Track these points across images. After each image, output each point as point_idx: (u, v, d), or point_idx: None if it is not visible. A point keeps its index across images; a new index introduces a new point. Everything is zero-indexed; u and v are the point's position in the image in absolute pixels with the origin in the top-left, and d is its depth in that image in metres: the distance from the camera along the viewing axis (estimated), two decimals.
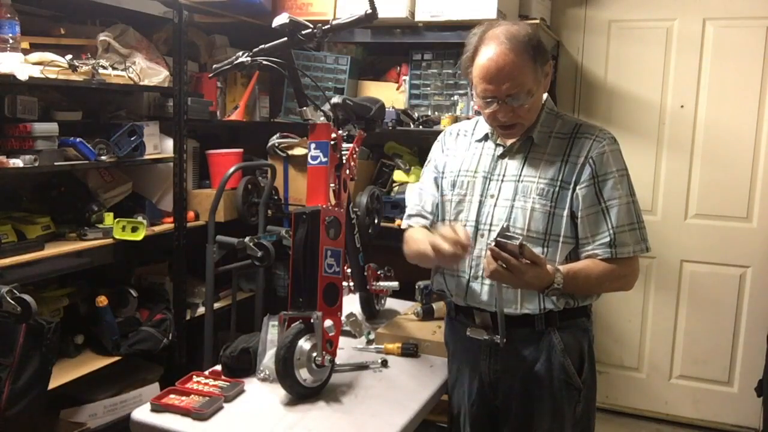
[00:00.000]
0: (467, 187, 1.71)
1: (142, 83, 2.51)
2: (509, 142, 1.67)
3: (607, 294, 1.71)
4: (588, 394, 1.68)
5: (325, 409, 1.65)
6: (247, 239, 2.54)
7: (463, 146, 1.78)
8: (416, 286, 2.37)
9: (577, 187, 1.58)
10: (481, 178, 1.69)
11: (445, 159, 1.80)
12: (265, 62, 1.83)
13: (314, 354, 1.65)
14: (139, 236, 2.43)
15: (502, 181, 1.66)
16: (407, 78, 3.10)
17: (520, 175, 1.64)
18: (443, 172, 1.78)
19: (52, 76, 2.15)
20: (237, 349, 1.83)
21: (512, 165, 1.66)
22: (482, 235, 1.65)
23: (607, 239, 1.58)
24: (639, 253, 1.61)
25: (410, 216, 1.88)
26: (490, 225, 1.65)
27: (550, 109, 1.69)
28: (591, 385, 1.70)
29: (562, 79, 3.37)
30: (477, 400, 1.74)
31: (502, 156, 1.68)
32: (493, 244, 1.46)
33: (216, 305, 2.87)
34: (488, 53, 1.54)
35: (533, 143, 1.65)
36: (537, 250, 1.55)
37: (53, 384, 2.13)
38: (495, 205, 1.65)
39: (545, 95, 1.69)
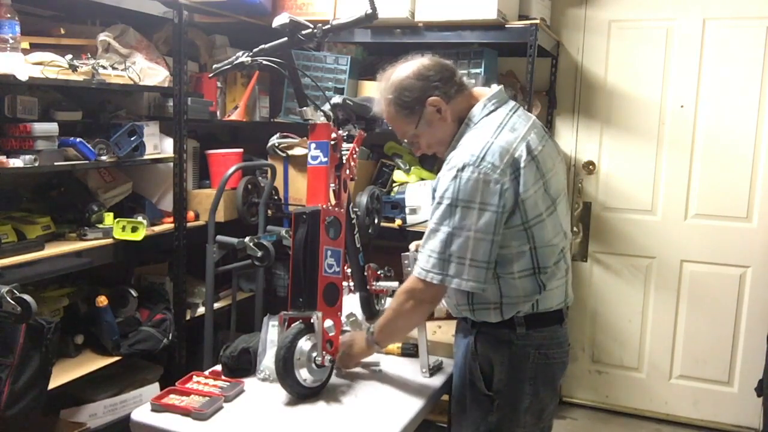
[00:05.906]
0: None
1: (142, 83, 2.51)
2: None
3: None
4: (506, 407, 1.63)
5: (325, 409, 1.65)
6: (247, 239, 2.54)
7: None
8: None
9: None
10: None
11: None
12: (265, 62, 1.83)
13: (314, 354, 1.66)
14: (139, 236, 2.43)
15: None
16: None
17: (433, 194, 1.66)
18: None
19: (52, 76, 2.15)
20: (237, 349, 1.83)
21: None
22: None
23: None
24: (425, 277, 1.54)
25: None
26: None
27: (469, 121, 1.64)
28: (511, 400, 1.63)
29: (562, 79, 3.37)
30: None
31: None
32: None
33: (216, 305, 2.87)
34: None
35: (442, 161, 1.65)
36: None
37: (53, 384, 2.13)
38: None
39: (492, 96, 1.64)
